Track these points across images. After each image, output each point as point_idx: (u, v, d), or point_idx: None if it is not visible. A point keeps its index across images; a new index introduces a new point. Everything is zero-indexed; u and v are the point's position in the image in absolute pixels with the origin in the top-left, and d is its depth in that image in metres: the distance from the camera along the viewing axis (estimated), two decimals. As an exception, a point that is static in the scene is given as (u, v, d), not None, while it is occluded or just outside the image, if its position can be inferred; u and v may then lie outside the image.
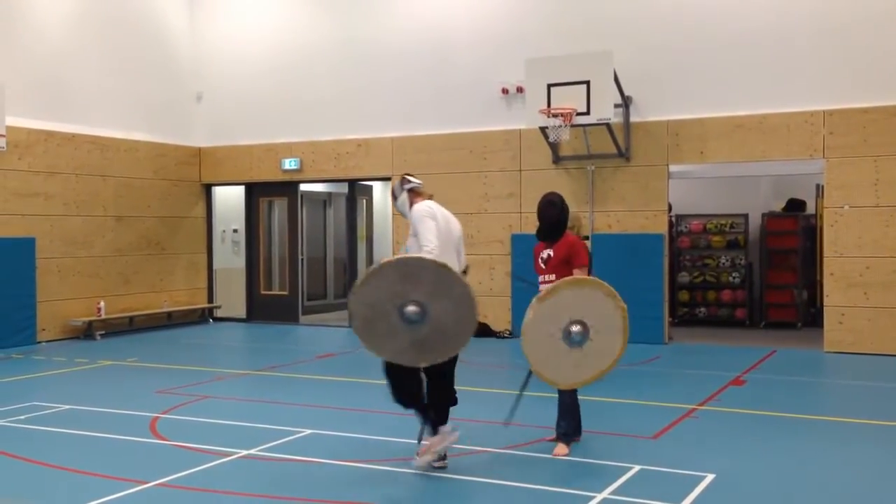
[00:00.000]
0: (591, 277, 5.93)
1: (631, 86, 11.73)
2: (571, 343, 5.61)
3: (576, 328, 5.58)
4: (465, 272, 5.90)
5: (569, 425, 6.18)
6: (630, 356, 10.45)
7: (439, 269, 5.27)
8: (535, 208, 6.35)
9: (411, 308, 5.22)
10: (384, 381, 5.76)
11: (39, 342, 12.06)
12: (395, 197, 6.09)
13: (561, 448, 6.06)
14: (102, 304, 12.99)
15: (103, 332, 12.93)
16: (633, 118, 11.91)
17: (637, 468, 5.68)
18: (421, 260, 5.33)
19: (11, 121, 11.64)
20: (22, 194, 12.08)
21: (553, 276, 6.05)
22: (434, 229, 5.62)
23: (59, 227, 12.55)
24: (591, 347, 5.63)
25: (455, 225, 5.94)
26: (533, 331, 5.65)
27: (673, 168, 11.97)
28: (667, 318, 11.88)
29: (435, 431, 5.65)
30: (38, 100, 12.39)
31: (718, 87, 11.59)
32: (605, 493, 5.15)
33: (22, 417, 7.27)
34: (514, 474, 5.48)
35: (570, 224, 7.56)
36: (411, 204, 5.89)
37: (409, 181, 6.01)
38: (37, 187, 12.30)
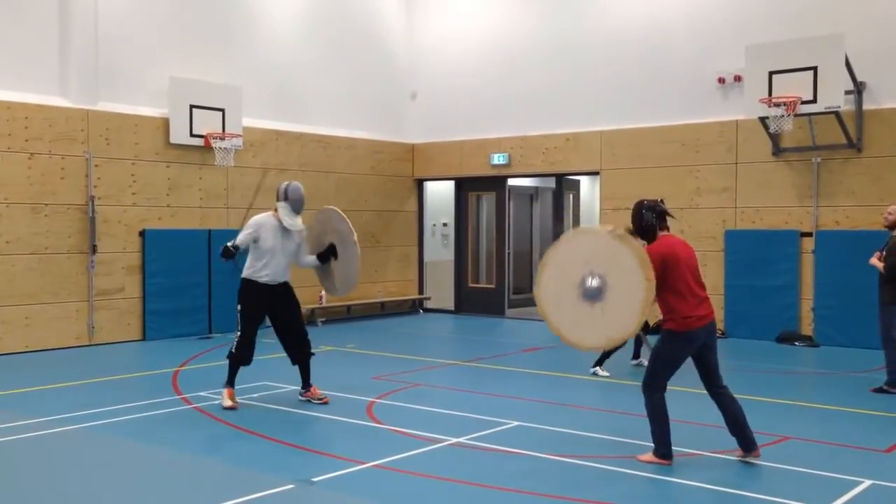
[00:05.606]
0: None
1: (865, 70, 10.81)
2: (589, 297, 5.41)
3: (592, 282, 5.39)
4: None
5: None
6: (860, 363, 9.75)
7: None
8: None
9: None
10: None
11: (268, 326, 13.02)
12: None
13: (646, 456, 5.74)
14: (324, 292, 13.86)
15: (324, 318, 13.80)
16: (867, 105, 10.99)
17: (868, 483, 5.26)
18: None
19: (248, 122, 12.71)
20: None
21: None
22: None
23: (286, 221, 13.49)
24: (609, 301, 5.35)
25: None
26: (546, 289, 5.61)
27: (913, 159, 10.94)
28: (903, 323, 10.83)
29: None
30: (269, 102, 13.41)
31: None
32: (832, 508, 4.82)
33: (255, 396, 7.95)
34: (734, 480, 5.25)
35: None
36: None
37: None
38: (268, 183, 13.29)
